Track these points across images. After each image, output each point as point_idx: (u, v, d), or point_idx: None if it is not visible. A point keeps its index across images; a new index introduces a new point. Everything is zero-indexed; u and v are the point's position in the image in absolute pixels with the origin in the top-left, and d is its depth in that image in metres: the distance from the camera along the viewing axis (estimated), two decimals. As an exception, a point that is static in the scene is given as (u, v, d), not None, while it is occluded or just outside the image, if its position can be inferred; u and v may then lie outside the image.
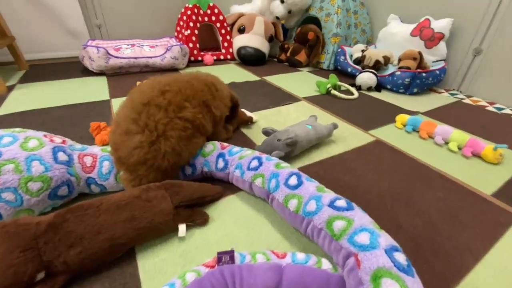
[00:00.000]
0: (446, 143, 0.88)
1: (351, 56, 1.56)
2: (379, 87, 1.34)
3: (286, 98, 1.20)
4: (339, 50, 1.58)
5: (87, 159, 0.55)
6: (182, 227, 0.49)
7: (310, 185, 0.48)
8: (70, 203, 0.55)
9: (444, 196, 0.65)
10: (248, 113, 0.96)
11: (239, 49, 1.71)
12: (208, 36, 1.86)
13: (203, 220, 0.52)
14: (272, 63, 1.84)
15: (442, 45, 1.38)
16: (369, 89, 1.34)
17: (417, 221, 0.57)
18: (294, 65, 1.73)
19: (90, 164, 0.54)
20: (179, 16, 1.76)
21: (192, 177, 0.62)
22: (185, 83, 0.59)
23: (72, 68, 1.50)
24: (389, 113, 1.09)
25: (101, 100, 1.10)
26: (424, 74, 1.26)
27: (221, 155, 0.61)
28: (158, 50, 1.50)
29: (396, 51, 1.46)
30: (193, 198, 0.52)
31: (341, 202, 0.43)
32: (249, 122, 0.94)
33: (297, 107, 1.12)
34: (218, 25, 1.72)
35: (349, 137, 0.88)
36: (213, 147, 0.62)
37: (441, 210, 0.60)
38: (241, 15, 1.77)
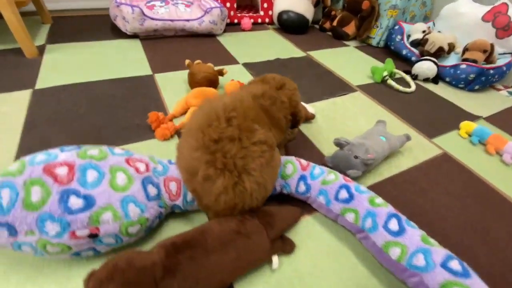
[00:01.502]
0: (514, 161, 0.84)
1: (408, 36, 1.40)
2: (436, 79, 1.24)
3: (340, 86, 1.11)
4: (397, 27, 1.41)
5: (172, 186, 0.51)
6: (275, 259, 0.49)
7: (414, 234, 0.46)
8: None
9: (518, 231, 0.64)
10: (310, 108, 0.89)
11: (281, 13, 1.53)
12: (246, -7, 1.64)
13: (291, 248, 0.52)
14: (314, 31, 1.67)
15: (515, 35, 1.22)
16: (426, 79, 1.23)
17: (494, 260, 0.57)
18: (339, 37, 1.57)
19: (175, 191, 0.51)
20: (216, -34, 1.53)
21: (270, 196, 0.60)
22: (249, 104, 0.51)
23: (100, 24, 1.35)
24: (450, 116, 1.02)
25: (143, 75, 1.02)
26: (491, 71, 1.14)
27: (302, 178, 0.58)
28: (195, 11, 1.33)
29: (460, 36, 1.30)
30: (284, 229, 0.51)
31: (456, 265, 0.42)
32: (310, 119, 0.88)
33: (353, 100, 1.04)
34: (260, -19, 1.50)
35: (415, 147, 0.84)
36: (293, 169, 0.59)
37: (517, 249, 0.60)
38: (287, -29, 1.53)
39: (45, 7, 1.27)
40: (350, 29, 1.54)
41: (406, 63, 1.36)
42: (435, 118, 1.00)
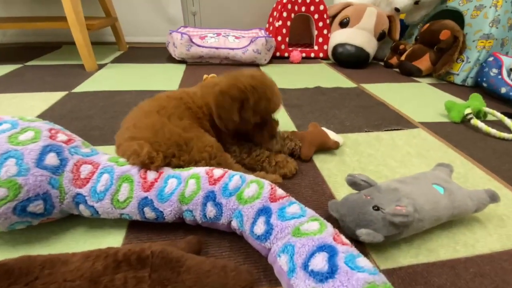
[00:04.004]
0: None
1: (509, 70, 1.02)
2: None
3: (393, 120, 0.84)
4: (491, 59, 1.06)
5: (84, 169, 0.39)
6: None
7: None
8: (56, 224, 0.41)
9: None
10: (333, 135, 0.66)
11: (336, 47, 1.38)
12: (301, 29, 1.60)
13: None
14: (377, 67, 1.44)
15: None
16: (543, 126, 0.82)
17: None
18: (409, 73, 1.28)
19: (85, 175, 0.39)
20: (274, 5, 1.56)
21: (215, 224, 0.39)
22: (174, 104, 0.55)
23: (161, 54, 1.49)
24: None
25: (166, 90, 0.99)
26: None
27: (265, 211, 0.36)
28: (243, 41, 1.34)
29: None
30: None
31: None
32: (332, 148, 0.65)
33: (409, 136, 0.74)
34: (316, 16, 1.44)
35: (510, 217, 0.48)
36: (257, 192, 0.37)
37: None
38: (347, 5, 1.43)
39: (122, 38, 1.50)
40: (424, 63, 1.25)
41: (506, 104, 0.97)
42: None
